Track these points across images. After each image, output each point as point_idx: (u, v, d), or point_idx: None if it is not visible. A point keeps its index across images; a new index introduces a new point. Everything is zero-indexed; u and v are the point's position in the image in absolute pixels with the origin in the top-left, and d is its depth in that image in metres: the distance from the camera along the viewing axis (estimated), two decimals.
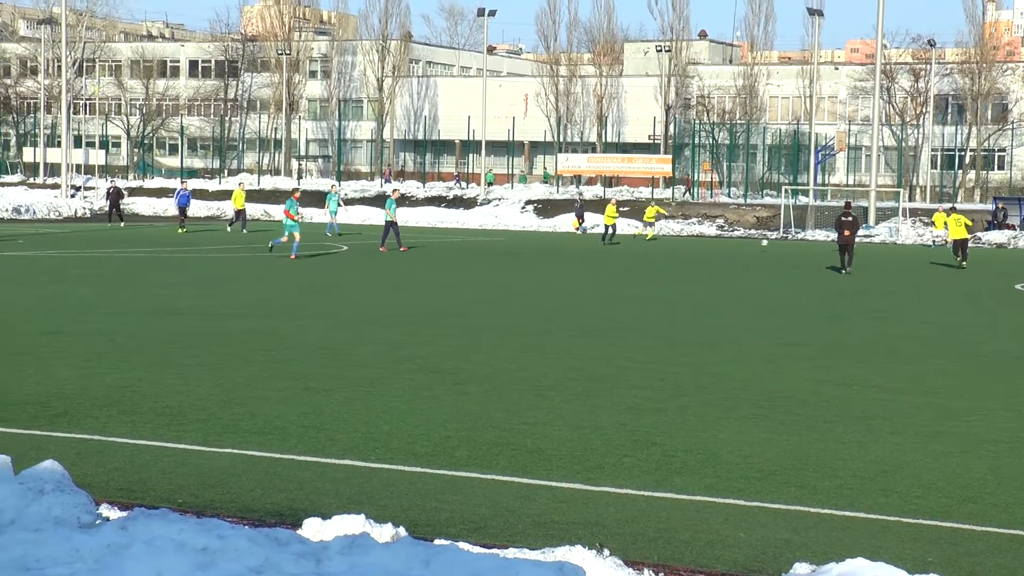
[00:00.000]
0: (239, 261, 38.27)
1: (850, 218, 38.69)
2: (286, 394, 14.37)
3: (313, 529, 7.87)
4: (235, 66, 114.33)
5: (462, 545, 7.54)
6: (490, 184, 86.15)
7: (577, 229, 66.11)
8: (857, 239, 40.47)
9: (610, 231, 54.76)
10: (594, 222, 64.88)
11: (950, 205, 60.72)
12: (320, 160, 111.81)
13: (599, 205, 67.97)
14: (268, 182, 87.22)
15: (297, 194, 42.92)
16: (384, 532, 7.84)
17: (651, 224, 61.03)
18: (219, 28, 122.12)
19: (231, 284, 29.92)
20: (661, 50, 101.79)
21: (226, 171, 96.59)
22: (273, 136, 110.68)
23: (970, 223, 43.78)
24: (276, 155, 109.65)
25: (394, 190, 49.66)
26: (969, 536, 9.12)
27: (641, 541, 8.71)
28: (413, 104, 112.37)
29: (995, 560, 8.55)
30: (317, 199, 70.43)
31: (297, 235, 39.01)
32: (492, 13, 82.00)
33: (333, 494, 9.82)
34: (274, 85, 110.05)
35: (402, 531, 7.97)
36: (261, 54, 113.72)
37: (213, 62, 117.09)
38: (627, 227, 63.39)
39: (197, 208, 71.10)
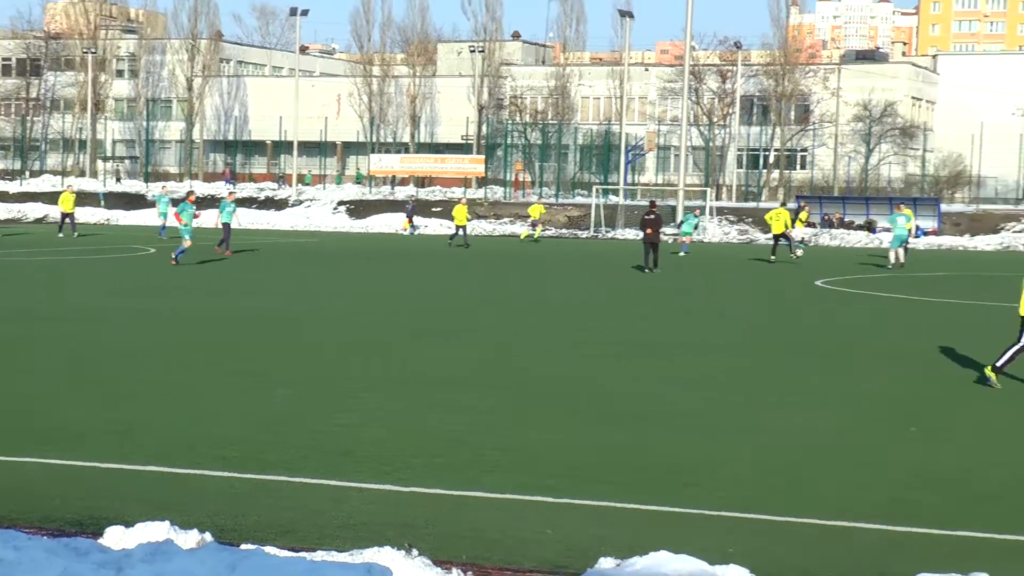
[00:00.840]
0: (55, 264, 37.32)
1: (653, 216, 39.23)
2: (90, 400, 14.05)
3: (115, 537, 7.72)
4: (38, 64, 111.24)
5: (269, 549, 7.48)
6: (307, 184, 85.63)
7: (406, 230, 66.01)
8: (664, 237, 41.16)
9: (460, 232, 53.52)
10: (425, 223, 65.12)
11: (780, 202, 62.96)
12: (127, 161, 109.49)
13: (427, 206, 67.83)
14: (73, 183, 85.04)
15: (192, 196, 41.30)
16: (189, 538, 7.73)
17: (536, 224, 60.74)
18: (21, 25, 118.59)
19: (41, 289, 29.16)
20: (475, 51, 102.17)
21: (27, 172, 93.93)
22: (78, 137, 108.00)
23: (804, 217, 45.64)
24: (81, 156, 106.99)
25: (230, 192, 48.65)
26: (770, 527, 9.36)
27: (451, 540, 8.74)
28: (223, 104, 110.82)
29: (793, 549, 8.79)
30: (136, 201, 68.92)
31: (188, 241, 37.65)
32: (304, 12, 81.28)
33: (138, 501, 9.63)
34: (79, 84, 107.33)
35: (208, 537, 7.87)
36: (66, 52, 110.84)
37: (14, 60, 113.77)
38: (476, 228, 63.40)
39: None
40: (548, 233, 67.10)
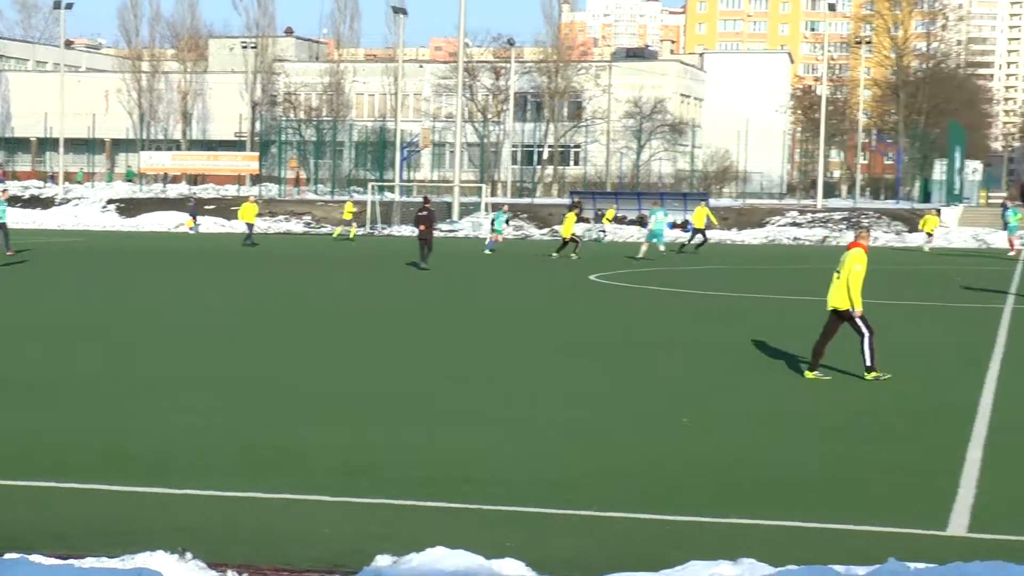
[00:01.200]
0: None
1: (425, 213, 39.22)
2: None
3: None
4: None
5: (34, 558, 7.24)
6: (78, 182, 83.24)
7: (192, 228, 64.76)
8: (439, 233, 41.13)
9: (248, 231, 52.11)
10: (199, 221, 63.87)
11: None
12: None
13: (202, 204, 66.57)
14: None
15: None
16: None
17: (350, 222, 59.59)
18: None
19: None
20: (247, 47, 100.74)
21: None
22: None
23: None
24: None
25: (3, 190, 46.64)
26: (545, 519, 9.46)
27: (227, 542, 8.60)
28: None
29: (568, 541, 8.91)
30: None
31: None
32: (69, 6, 79.01)
33: None
34: None
35: None
36: None
37: None
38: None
39: None
40: (323, 230, 66.62)
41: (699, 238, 49.88)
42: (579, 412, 13.88)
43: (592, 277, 35.28)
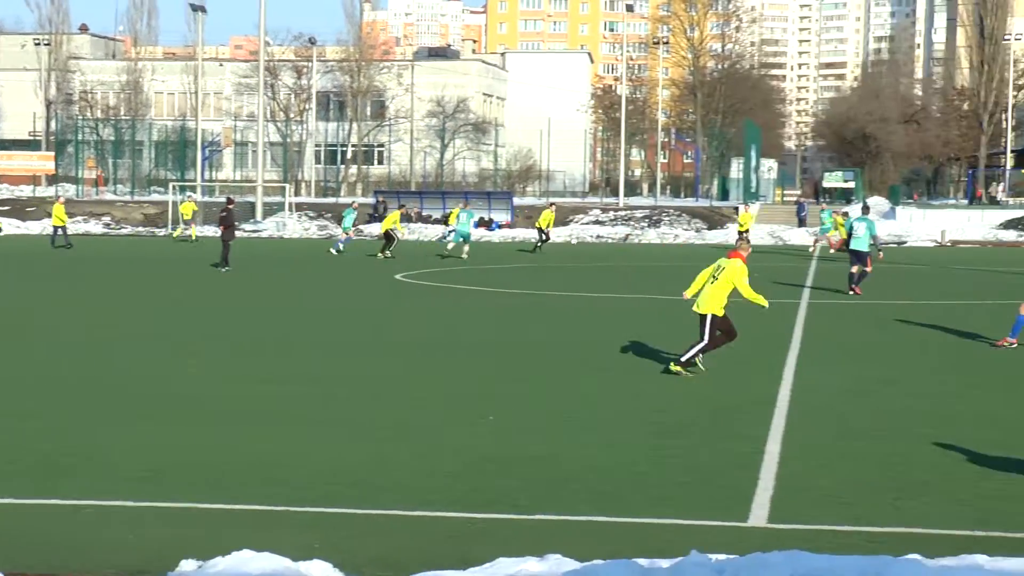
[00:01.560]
0: None
1: (224, 213, 38.60)
2: None
3: None
4: None
5: None
6: None
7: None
8: (244, 233, 40.53)
9: (60, 232, 49.51)
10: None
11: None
12: None
13: None
14: None
15: None
16: None
17: (189, 223, 57.79)
18: None
19: None
20: (40, 44, 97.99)
21: None
22: None
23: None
24: None
25: None
26: (353, 519, 9.42)
27: (25, 551, 8.37)
28: None
29: (377, 540, 8.88)
30: None
31: None
32: None
33: None
34: None
35: None
36: None
37: None
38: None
39: None
40: (124, 231, 65.23)
41: (542, 238, 50.50)
42: (385, 411, 13.84)
43: (398, 277, 35.22)
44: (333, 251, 46.78)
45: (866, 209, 33.84)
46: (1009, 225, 67.96)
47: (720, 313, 16.57)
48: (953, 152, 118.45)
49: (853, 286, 29.93)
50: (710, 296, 16.60)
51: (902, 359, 18.65)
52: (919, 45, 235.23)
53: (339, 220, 66.96)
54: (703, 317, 16.61)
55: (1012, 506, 9.83)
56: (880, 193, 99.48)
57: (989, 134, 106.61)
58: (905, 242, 62.02)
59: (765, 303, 16.90)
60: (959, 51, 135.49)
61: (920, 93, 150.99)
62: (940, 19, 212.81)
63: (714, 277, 16.67)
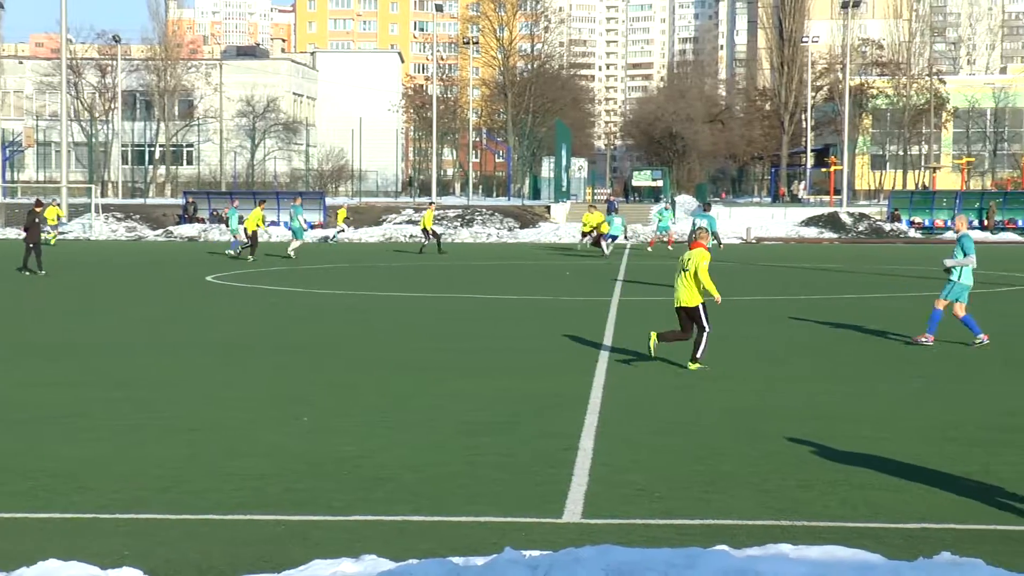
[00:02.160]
0: None
1: (30, 215, 37.55)
2: None
3: None
4: None
5: None
6: None
7: None
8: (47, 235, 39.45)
9: None
10: None
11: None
12: None
13: None
14: None
15: None
16: None
17: (56, 227, 55.47)
18: None
19: None
20: None
21: None
22: None
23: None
24: None
25: None
26: (165, 525, 9.24)
27: None
28: None
29: (190, 545, 8.72)
30: None
31: None
32: None
33: None
34: None
35: None
36: None
37: None
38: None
39: None
40: None
41: (431, 239, 50.23)
42: (195, 413, 13.62)
43: (209, 278, 34.73)
44: (231, 252, 45.49)
45: (708, 207, 34.61)
46: (810, 222, 69.98)
47: (694, 303, 17.19)
48: (756, 151, 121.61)
49: None
50: (688, 288, 17.21)
51: (715, 354, 19.03)
52: (722, 47, 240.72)
53: (158, 223, 65.85)
54: (691, 310, 17.23)
55: (816, 496, 10.11)
56: (687, 191, 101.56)
57: (790, 134, 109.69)
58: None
59: (718, 296, 17.36)
60: (760, 53, 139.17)
61: (724, 93, 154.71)
62: (742, 21, 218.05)
63: (684, 270, 17.29)
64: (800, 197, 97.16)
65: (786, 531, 8.96)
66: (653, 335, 17.46)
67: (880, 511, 9.64)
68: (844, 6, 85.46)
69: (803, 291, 30.61)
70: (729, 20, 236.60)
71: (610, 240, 47.11)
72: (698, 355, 17.15)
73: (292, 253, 44.51)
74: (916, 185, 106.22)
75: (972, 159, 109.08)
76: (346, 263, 43.12)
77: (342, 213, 63.36)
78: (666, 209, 55.76)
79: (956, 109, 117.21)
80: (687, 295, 17.19)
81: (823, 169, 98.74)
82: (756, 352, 19.27)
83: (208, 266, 39.58)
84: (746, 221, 67.38)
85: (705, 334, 17.16)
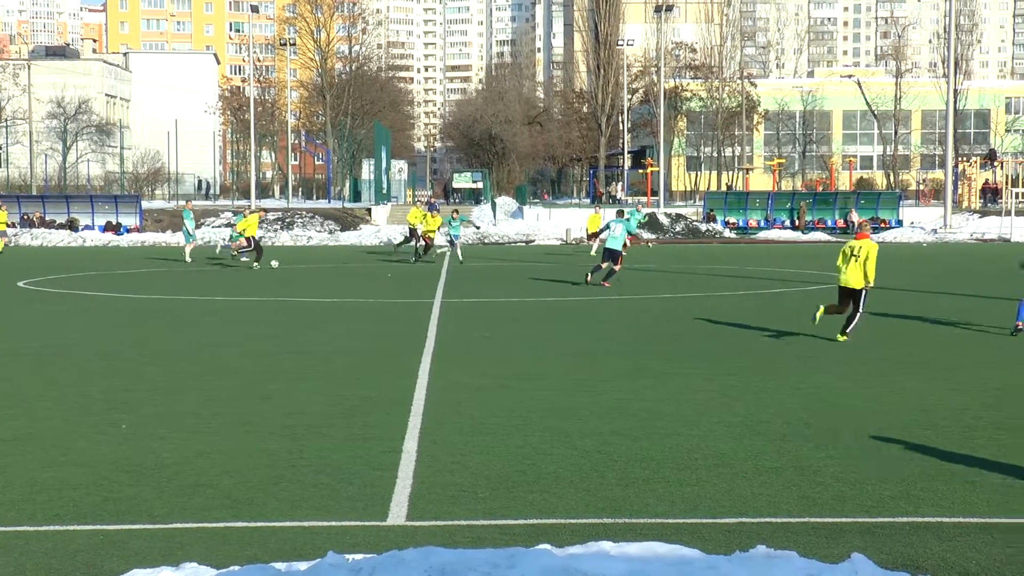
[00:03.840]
0: None
1: None
2: None
3: None
4: None
5: None
6: None
7: None
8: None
9: None
10: None
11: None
12: None
13: None
14: None
15: None
16: None
17: (4, 233, 52.56)
18: None
19: None
20: None
21: None
22: None
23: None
24: None
25: None
26: None
27: None
28: None
29: (3, 560, 8.51)
30: None
31: None
32: None
33: None
34: None
35: None
36: None
37: None
38: None
39: None
40: None
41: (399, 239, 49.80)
42: (5, 423, 13.27)
43: (21, 284, 33.85)
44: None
45: (620, 213, 34.90)
46: None
47: (861, 286, 19.98)
48: (575, 153, 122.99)
49: (592, 277, 32.43)
50: (856, 272, 19.95)
51: (531, 354, 19.19)
52: (539, 49, 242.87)
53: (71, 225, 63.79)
54: (855, 291, 20.04)
55: (635, 493, 10.27)
56: (508, 193, 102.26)
57: (607, 135, 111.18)
58: (533, 240, 63.91)
59: (873, 282, 20.17)
60: (577, 55, 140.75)
61: (542, 96, 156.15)
62: (558, 24, 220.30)
63: (855, 257, 19.98)
64: (618, 198, 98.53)
65: (608, 528, 9.09)
66: (821, 307, 20.55)
67: (698, 507, 9.84)
68: (657, 10, 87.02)
69: (620, 291, 31.05)
70: (546, 23, 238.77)
71: (434, 243, 47.02)
72: (848, 330, 20.14)
73: (189, 258, 44.03)
74: (729, 186, 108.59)
75: (783, 160, 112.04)
76: (164, 268, 42.38)
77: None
78: (637, 211, 54.85)
79: (767, 112, 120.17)
80: (855, 278, 19.95)
81: (640, 170, 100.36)
82: (572, 352, 19.48)
83: (18, 271, 38.56)
84: (566, 222, 68.02)
85: (859, 314, 20.12)
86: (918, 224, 73.41)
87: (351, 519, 9.50)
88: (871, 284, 20.02)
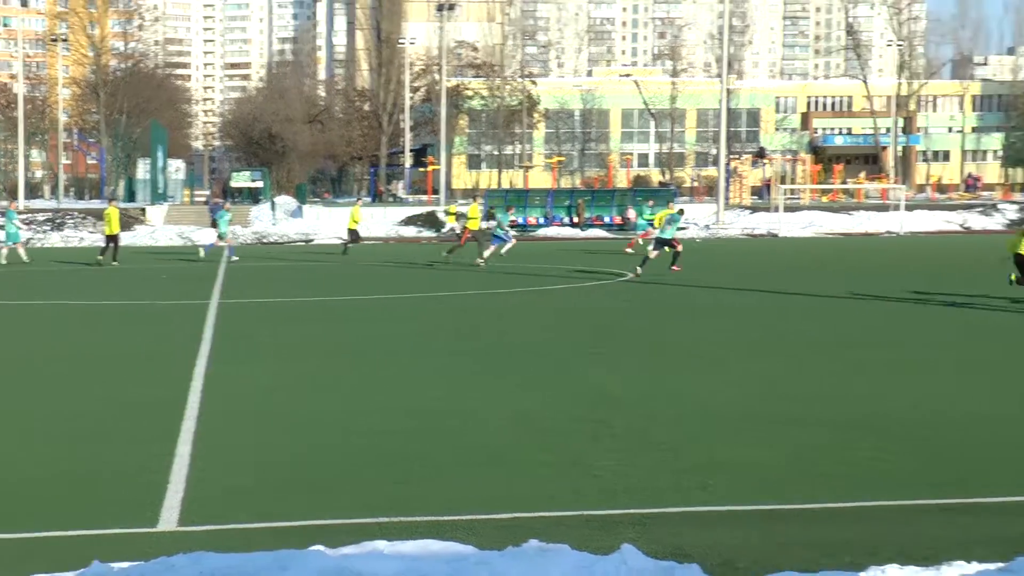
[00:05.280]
0: None
1: None
2: None
3: None
4: None
5: None
6: None
7: None
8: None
9: None
10: None
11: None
12: None
13: None
14: None
15: None
16: None
17: None
18: None
19: None
20: None
21: None
22: None
23: None
24: None
25: None
26: None
27: None
28: None
29: None
30: None
31: None
32: None
33: None
34: None
35: None
36: None
37: None
38: None
39: None
40: None
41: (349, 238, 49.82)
42: None
43: None
44: (234, 258, 43.88)
45: (681, 212, 35.56)
46: (409, 221, 71.00)
47: None
48: (356, 151, 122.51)
49: (642, 269, 33.78)
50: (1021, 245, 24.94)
51: (314, 355, 19.05)
52: (321, 47, 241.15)
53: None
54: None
55: (411, 491, 10.26)
56: (287, 192, 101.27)
57: (389, 134, 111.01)
58: (313, 240, 63.45)
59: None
60: (359, 54, 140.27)
61: (324, 94, 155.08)
62: (340, 22, 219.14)
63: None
64: (399, 196, 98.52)
65: (383, 528, 9.06)
66: (1014, 275, 24.90)
67: (472, 503, 9.89)
68: (440, 9, 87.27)
69: (406, 289, 31.03)
70: (328, 21, 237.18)
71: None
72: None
73: (3, 259, 42.61)
74: (510, 183, 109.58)
75: (562, 158, 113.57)
76: None
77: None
78: (652, 207, 53.24)
79: (547, 110, 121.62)
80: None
81: (421, 169, 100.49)
82: (354, 351, 19.41)
83: None
84: (346, 221, 67.59)
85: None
86: (692, 220, 75.15)
87: (120, 526, 9.28)
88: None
